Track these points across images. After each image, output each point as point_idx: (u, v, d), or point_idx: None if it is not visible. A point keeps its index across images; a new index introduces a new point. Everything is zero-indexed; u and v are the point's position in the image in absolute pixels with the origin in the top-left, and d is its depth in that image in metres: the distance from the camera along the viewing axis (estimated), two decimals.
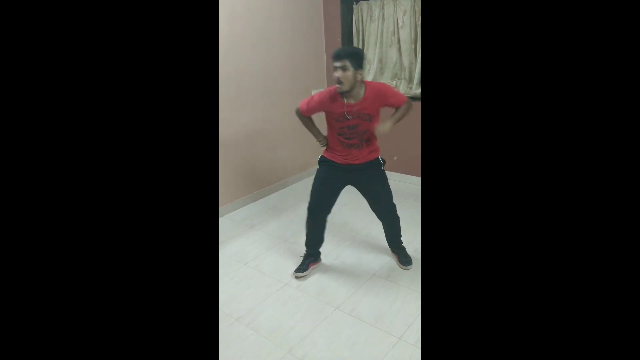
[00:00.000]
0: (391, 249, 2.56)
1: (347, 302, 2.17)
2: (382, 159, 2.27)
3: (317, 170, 2.32)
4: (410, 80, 3.63)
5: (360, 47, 3.83)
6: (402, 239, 2.52)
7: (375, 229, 2.94)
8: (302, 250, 2.70)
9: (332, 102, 2.09)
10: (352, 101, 2.05)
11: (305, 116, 2.26)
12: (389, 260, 2.54)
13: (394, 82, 3.72)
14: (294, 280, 2.39)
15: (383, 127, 2.07)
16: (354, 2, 3.71)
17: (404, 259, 2.46)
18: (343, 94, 2.02)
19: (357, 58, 1.97)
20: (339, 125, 2.13)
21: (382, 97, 2.08)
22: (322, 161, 2.30)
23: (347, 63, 1.95)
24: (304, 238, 2.83)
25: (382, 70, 3.77)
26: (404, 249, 2.52)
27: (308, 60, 3.78)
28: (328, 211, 2.34)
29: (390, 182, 3.94)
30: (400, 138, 3.70)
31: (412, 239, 2.78)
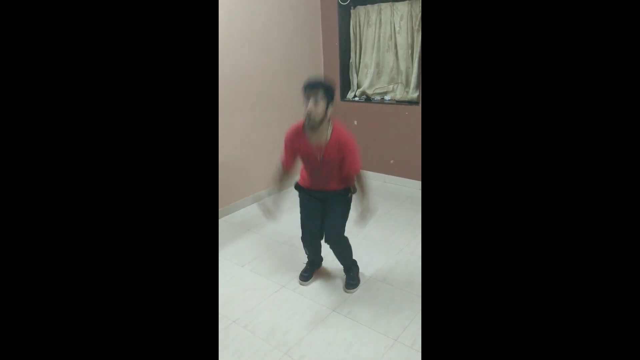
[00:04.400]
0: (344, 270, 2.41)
1: (344, 304, 2.18)
2: (352, 190, 2.17)
3: (299, 200, 2.27)
4: (407, 85, 3.66)
5: (358, 51, 3.86)
6: (358, 262, 2.42)
7: (372, 231, 2.96)
8: (299, 252, 2.71)
9: (296, 139, 2.01)
10: (316, 141, 1.97)
11: (285, 171, 2.15)
12: (385, 263, 2.56)
13: (391, 86, 3.75)
14: (291, 282, 2.40)
15: (363, 221, 2.11)
16: (352, 7, 3.74)
17: (349, 282, 2.32)
18: (310, 128, 1.93)
19: (330, 91, 1.89)
20: (305, 162, 2.10)
21: (342, 149, 1.98)
22: (298, 189, 2.25)
23: (320, 96, 1.86)
24: (300, 240, 2.84)
25: (379, 75, 3.80)
26: (351, 271, 2.36)
27: (305, 65, 3.81)
28: (320, 235, 2.28)
29: (386, 185, 3.94)
30: (396, 142, 3.73)
31: (408, 241, 2.80)
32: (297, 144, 2.03)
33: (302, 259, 2.64)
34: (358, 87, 3.95)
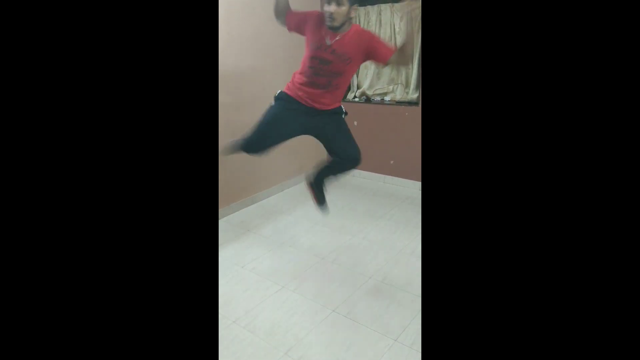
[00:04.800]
0: (310, 180, 2.31)
1: (344, 304, 2.18)
2: (344, 110, 2.12)
3: (271, 107, 2.05)
4: (407, 85, 3.66)
5: None
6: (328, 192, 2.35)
7: (372, 231, 2.96)
8: (300, 253, 2.73)
9: (316, 27, 1.91)
10: (335, 33, 1.89)
11: (291, 11, 2.00)
12: (386, 263, 2.56)
13: (391, 87, 3.75)
14: (291, 282, 2.40)
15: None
16: None
17: (319, 195, 2.29)
18: (333, 29, 1.85)
19: None
20: (313, 53, 1.95)
21: (366, 41, 1.88)
22: (281, 97, 2.04)
23: None
24: (301, 241, 2.85)
25: (379, 76, 3.80)
26: (323, 184, 2.29)
27: None
28: (264, 153, 2.12)
29: (386, 185, 3.94)
30: (396, 142, 3.73)
31: (408, 241, 2.80)
32: (312, 31, 1.91)
33: (302, 259, 2.65)
34: (358, 87, 3.95)
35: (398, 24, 3.50)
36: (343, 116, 2.11)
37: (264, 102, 3.47)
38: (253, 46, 3.26)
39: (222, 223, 3.20)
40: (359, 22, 3.74)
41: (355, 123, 3.90)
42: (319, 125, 2.05)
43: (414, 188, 3.70)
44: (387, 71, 3.73)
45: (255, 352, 1.87)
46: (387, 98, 3.78)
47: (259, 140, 2.09)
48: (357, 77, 3.94)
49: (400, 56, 1.87)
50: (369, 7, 3.63)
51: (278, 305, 2.20)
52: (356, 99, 3.95)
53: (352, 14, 1.84)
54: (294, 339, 1.94)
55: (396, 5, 3.46)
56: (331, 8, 1.78)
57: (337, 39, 1.87)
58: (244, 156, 3.37)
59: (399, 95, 3.70)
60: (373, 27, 3.66)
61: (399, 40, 3.53)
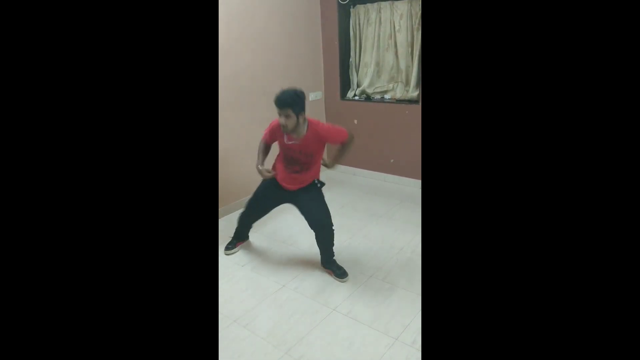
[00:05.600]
0: (322, 264, 2.50)
1: (344, 303, 2.18)
2: (319, 182, 2.43)
3: (259, 185, 2.51)
4: (407, 83, 3.65)
5: (358, 50, 3.86)
6: (335, 254, 2.51)
7: (373, 230, 2.96)
8: (300, 252, 2.73)
9: (279, 133, 2.30)
10: (295, 136, 2.24)
11: (266, 144, 2.43)
12: (386, 262, 2.56)
13: (391, 85, 3.75)
14: (291, 282, 2.40)
15: (331, 166, 2.44)
16: (351, 6, 3.74)
17: (338, 272, 2.41)
18: (287, 133, 2.23)
19: (299, 104, 2.12)
20: (284, 152, 2.35)
21: (322, 138, 2.25)
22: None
23: (290, 112, 2.10)
24: (301, 241, 2.85)
25: (379, 74, 3.79)
26: (335, 262, 2.47)
27: (306, 63, 3.80)
28: (258, 219, 2.70)
29: (386, 184, 3.93)
30: (396, 140, 3.73)
31: (409, 240, 2.80)
32: (279, 138, 2.32)
33: (302, 258, 2.65)
34: (358, 86, 3.95)
35: (398, 22, 3.49)
36: (318, 186, 2.44)
37: (264, 102, 3.48)
38: (253, 46, 3.26)
39: (222, 222, 3.19)
40: (359, 21, 3.74)
41: (356, 122, 3.90)
42: (294, 196, 2.41)
43: (414, 186, 3.69)
44: (387, 69, 3.72)
45: (255, 351, 1.87)
46: (387, 96, 3.77)
47: (251, 215, 2.65)
48: (357, 75, 3.94)
49: (343, 149, 2.38)
50: (369, 5, 3.62)
51: (278, 304, 2.20)
52: (356, 97, 3.94)
53: (301, 120, 2.17)
54: (295, 338, 1.94)
55: (396, 3, 3.45)
56: (281, 121, 2.14)
57: (295, 142, 2.25)
58: (243, 156, 3.38)
59: (399, 93, 3.70)
60: (373, 25, 3.66)
61: (399, 38, 3.52)
